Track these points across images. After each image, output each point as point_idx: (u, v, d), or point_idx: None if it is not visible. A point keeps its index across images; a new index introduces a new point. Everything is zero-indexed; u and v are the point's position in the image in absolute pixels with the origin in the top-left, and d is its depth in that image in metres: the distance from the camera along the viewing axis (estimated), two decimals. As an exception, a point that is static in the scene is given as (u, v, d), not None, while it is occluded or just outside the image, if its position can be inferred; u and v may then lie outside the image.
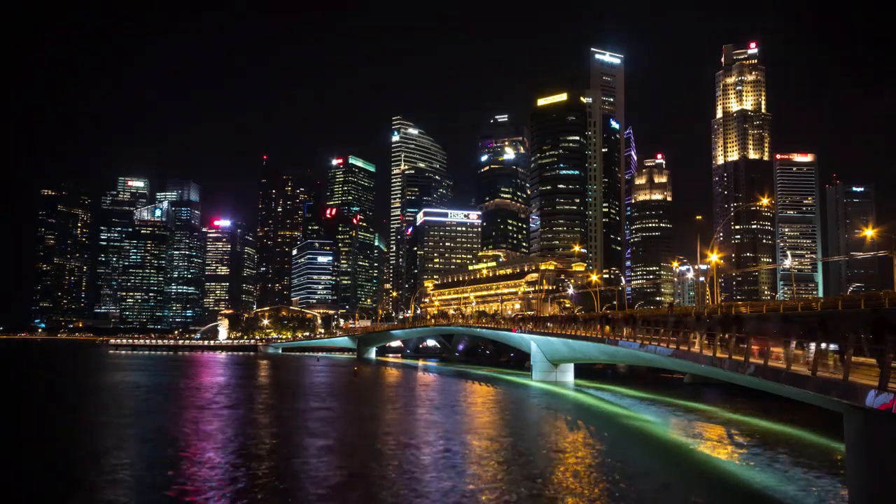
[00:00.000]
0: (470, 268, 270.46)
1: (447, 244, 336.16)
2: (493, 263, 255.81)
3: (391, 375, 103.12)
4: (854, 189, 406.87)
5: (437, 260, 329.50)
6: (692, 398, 63.34)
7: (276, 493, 26.16)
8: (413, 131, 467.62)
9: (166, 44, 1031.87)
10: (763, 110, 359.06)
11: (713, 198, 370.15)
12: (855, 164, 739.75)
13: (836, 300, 38.28)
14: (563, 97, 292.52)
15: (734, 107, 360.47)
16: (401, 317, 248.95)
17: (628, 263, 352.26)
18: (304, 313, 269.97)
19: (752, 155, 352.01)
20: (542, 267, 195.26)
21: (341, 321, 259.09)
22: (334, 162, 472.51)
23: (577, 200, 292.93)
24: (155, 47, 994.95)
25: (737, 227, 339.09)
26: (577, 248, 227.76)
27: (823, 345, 23.55)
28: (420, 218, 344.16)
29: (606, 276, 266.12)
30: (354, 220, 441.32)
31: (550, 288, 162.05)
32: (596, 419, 52.09)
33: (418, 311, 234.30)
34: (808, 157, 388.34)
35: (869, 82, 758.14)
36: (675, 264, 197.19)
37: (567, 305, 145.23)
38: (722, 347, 32.33)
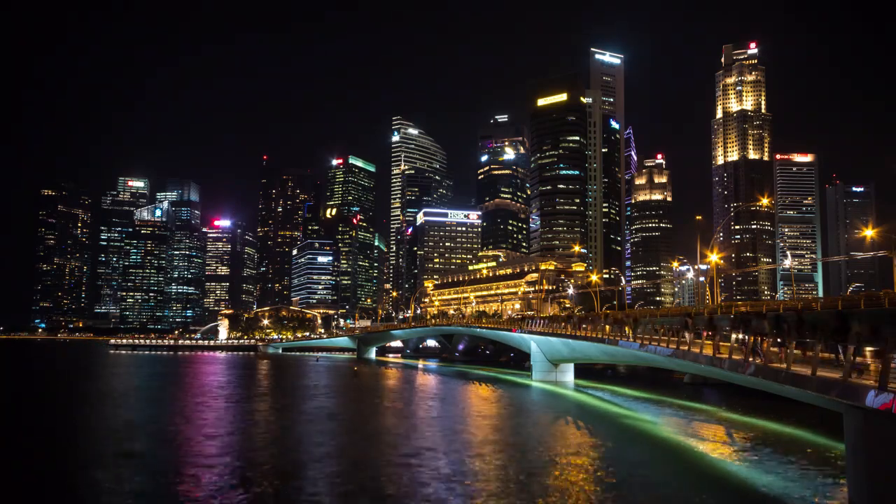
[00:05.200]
0: (470, 268, 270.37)
1: (447, 244, 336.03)
2: (493, 263, 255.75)
3: (391, 376, 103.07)
4: (854, 189, 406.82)
5: (437, 260, 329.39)
6: (692, 398, 63.36)
7: (277, 495, 26.18)
8: (413, 131, 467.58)
9: (166, 44, 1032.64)
10: (763, 110, 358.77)
11: (713, 198, 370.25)
12: (855, 164, 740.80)
13: (835, 300, 38.21)
14: (563, 97, 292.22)
15: (734, 107, 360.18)
16: (401, 317, 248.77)
17: (628, 263, 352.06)
18: (304, 313, 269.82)
19: (752, 155, 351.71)
20: (542, 267, 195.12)
21: (341, 321, 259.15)
22: (334, 162, 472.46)
23: (577, 200, 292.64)
24: (155, 48, 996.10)
25: (737, 227, 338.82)
26: (577, 248, 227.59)
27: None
28: (420, 218, 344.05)
29: (606, 276, 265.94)
30: (354, 220, 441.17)
31: (550, 288, 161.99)
32: (596, 419, 52.09)
33: (418, 311, 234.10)
34: (808, 157, 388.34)
35: (869, 82, 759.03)
36: (675, 264, 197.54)
37: (567, 305, 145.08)
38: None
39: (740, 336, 32.52)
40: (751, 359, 28.63)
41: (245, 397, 66.80)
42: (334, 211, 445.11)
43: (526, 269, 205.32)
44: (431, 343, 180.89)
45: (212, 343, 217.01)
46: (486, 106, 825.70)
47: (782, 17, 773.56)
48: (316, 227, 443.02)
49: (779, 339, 27.34)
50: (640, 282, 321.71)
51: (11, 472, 30.41)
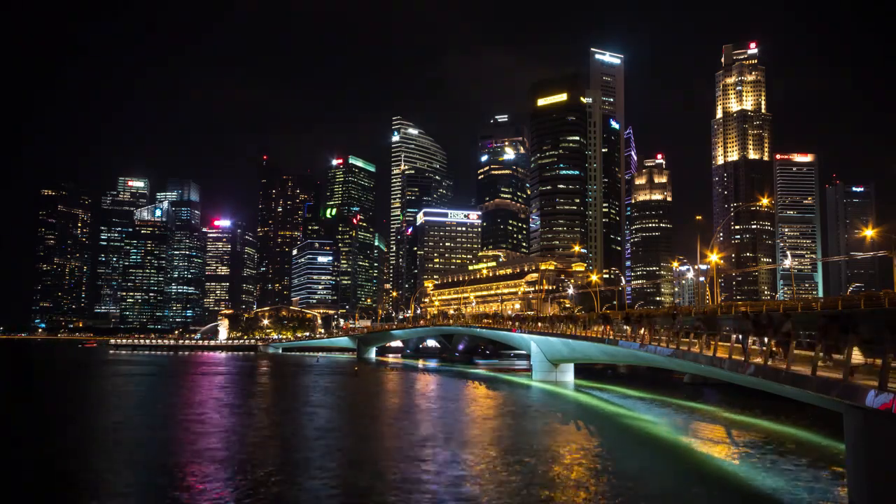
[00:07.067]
0: (470, 268, 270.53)
1: (447, 244, 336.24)
2: (493, 263, 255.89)
3: (391, 376, 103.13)
4: (854, 189, 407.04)
5: (437, 260, 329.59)
6: (692, 398, 63.35)
7: (276, 494, 26.18)
8: (413, 131, 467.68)
9: (166, 44, 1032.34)
10: (763, 110, 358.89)
11: (713, 198, 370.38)
12: (855, 164, 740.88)
13: (835, 300, 38.28)
14: (563, 97, 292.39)
15: (734, 107, 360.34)
16: (401, 317, 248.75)
17: (628, 263, 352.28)
18: (304, 313, 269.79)
19: (752, 155, 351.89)
20: (542, 267, 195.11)
21: (341, 321, 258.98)
22: (334, 162, 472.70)
23: (577, 200, 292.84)
24: (155, 47, 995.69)
25: (737, 227, 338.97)
26: (577, 248, 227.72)
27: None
28: (420, 218, 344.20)
29: (606, 276, 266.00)
30: (354, 220, 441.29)
31: (550, 288, 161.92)
32: (596, 419, 52.10)
33: (418, 311, 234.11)
34: (808, 157, 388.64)
35: (869, 82, 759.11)
36: (675, 264, 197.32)
37: (567, 305, 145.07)
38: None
39: (740, 336, 32.60)
40: (750, 359, 28.64)
41: (244, 396, 66.83)
42: (334, 211, 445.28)
43: (526, 269, 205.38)
44: (431, 343, 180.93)
45: (212, 343, 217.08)
46: (486, 106, 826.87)
47: (782, 17, 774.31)
48: (316, 227, 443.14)
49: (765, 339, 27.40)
50: (640, 282, 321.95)
51: (6, 474, 30.43)
